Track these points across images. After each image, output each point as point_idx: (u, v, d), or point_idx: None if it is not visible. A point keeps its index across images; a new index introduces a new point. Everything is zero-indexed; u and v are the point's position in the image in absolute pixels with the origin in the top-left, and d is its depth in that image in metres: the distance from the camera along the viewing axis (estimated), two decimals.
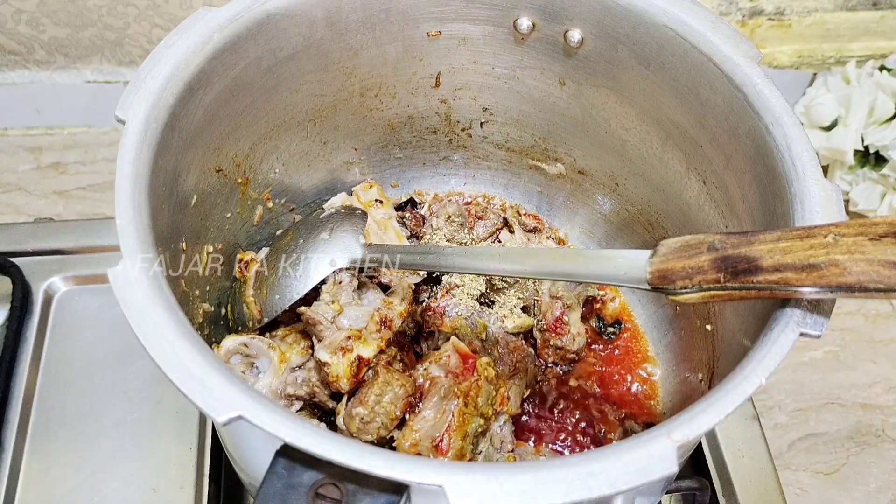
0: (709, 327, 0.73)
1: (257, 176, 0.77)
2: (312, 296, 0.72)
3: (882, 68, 1.11)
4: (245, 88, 0.68)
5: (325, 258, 0.73)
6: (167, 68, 0.60)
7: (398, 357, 0.72)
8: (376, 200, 0.85)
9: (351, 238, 0.74)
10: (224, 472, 0.79)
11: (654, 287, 0.53)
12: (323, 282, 0.72)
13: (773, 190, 0.60)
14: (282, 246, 0.77)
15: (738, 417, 0.83)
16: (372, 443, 0.65)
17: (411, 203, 0.91)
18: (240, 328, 0.74)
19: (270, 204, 0.80)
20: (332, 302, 0.71)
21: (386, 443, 0.66)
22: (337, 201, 0.86)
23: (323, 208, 0.85)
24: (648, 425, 0.77)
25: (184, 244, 0.64)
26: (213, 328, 0.74)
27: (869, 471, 0.87)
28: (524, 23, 0.74)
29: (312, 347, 0.70)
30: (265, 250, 0.79)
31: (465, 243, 0.86)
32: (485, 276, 0.80)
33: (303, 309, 0.70)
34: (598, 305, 0.86)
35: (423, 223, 0.87)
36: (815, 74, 1.19)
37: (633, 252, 0.55)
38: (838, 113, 1.08)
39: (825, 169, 1.11)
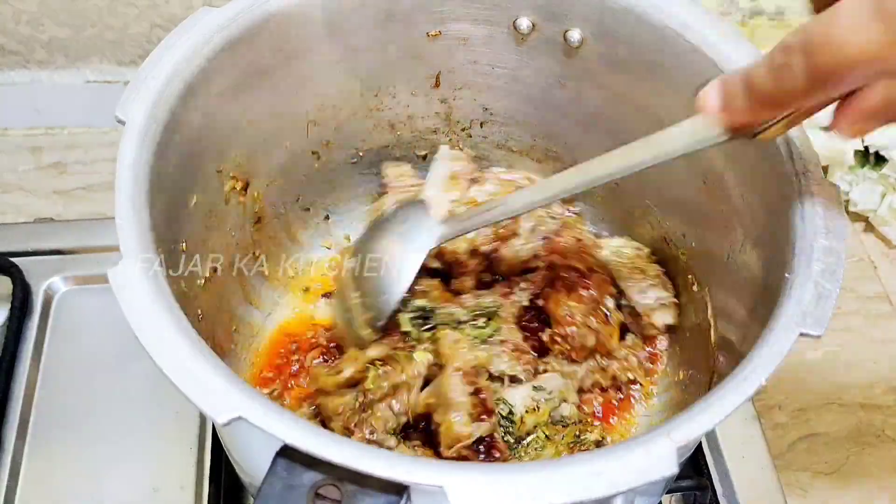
0: (709, 327, 0.73)
1: (258, 176, 0.77)
2: None
3: None
4: (245, 88, 0.68)
5: (410, 247, 0.73)
6: (167, 68, 0.60)
7: None
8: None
9: (425, 220, 0.73)
10: (224, 472, 0.79)
11: (733, 135, 0.50)
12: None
13: (774, 190, 0.60)
14: (363, 251, 0.77)
15: (738, 417, 0.83)
16: None
17: None
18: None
19: None
20: None
21: None
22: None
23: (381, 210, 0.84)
24: None
25: (184, 244, 0.64)
26: None
27: (869, 471, 0.87)
28: (524, 23, 0.74)
29: None
30: (352, 260, 0.78)
31: None
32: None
33: None
34: None
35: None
36: None
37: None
38: None
39: (825, 169, 1.10)
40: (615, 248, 0.81)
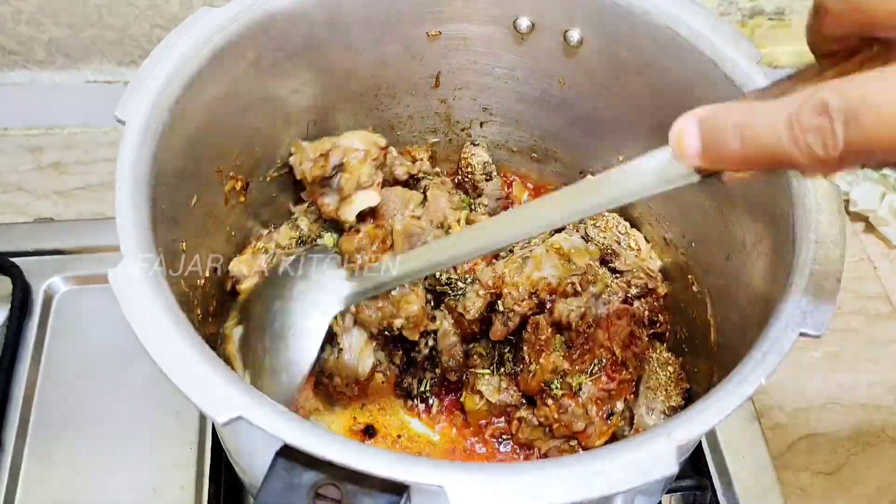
0: (708, 326, 0.73)
1: (257, 176, 0.77)
2: None
3: None
4: (245, 89, 0.68)
5: (314, 312, 0.63)
6: (167, 68, 0.60)
7: None
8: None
9: (332, 276, 0.65)
10: (224, 472, 0.79)
11: (704, 175, 0.44)
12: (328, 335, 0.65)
13: (773, 190, 0.60)
14: (255, 318, 0.67)
15: (738, 417, 0.83)
16: None
17: None
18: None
19: None
20: None
21: None
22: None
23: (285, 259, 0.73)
24: None
25: (184, 244, 0.64)
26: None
27: (869, 471, 0.87)
28: (524, 23, 0.74)
29: None
30: (238, 329, 0.68)
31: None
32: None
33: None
34: None
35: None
36: None
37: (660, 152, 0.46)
38: None
39: None
40: (664, 360, 0.75)
